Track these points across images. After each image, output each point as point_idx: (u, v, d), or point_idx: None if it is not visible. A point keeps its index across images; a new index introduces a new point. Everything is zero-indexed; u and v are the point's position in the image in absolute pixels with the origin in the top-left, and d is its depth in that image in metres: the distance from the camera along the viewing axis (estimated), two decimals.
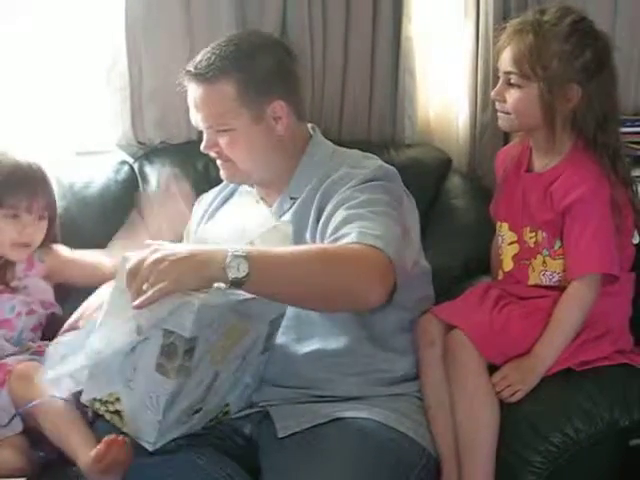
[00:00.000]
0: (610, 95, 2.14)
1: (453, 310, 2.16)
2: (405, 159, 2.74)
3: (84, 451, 1.96)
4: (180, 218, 2.35)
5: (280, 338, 2.06)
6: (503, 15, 2.70)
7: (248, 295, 1.80)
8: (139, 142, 2.81)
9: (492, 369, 2.11)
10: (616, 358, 2.11)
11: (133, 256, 1.76)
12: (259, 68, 2.10)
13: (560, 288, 2.12)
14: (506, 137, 2.65)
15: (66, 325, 2.22)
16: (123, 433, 1.90)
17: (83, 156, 2.76)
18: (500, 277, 2.26)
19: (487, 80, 2.73)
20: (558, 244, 2.13)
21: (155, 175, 2.72)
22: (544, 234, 2.15)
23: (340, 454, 1.90)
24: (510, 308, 2.14)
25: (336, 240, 1.92)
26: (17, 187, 2.27)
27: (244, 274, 1.72)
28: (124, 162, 2.76)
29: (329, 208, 2.03)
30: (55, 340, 2.11)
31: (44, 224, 2.33)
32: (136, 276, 1.72)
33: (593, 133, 2.10)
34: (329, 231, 1.98)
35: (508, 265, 2.23)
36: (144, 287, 1.71)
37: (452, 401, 2.09)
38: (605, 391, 2.04)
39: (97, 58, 2.73)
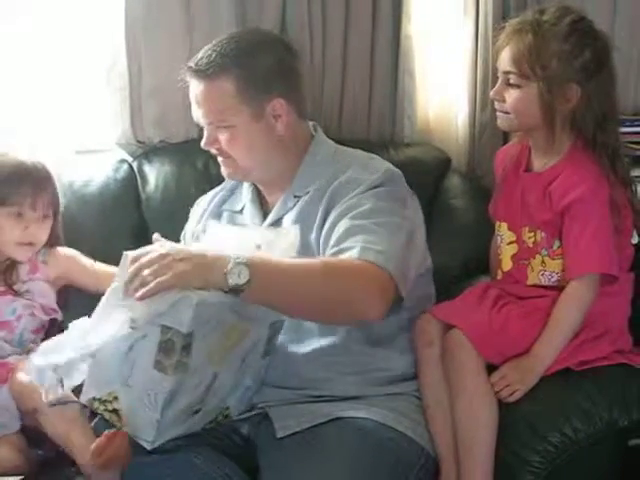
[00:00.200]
0: (609, 95, 2.14)
1: (452, 310, 2.16)
2: (404, 158, 2.73)
3: (84, 447, 1.97)
4: None
5: (279, 338, 2.06)
6: (502, 14, 2.70)
7: None
8: (138, 141, 2.82)
9: (490, 369, 2.11)
10: (615, 358, 2.10)
11: (136, 251, 1.80)
12: (259, 66, 2.10)
13: (559, 288, 2.12)
14: (505, 137, 2.65)
15: None
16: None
17: (83, 155, 2.77)
18: (499, 277, 2.26)
19: (486, 79, 2.73)
20: (557, 244, 2.13)
21: (154, 174, 2.73)
22: (543, 234, 2.15)
23: (339, 454, 1.90)
24: (509, 308, 2.14)
25: (339, 252, 1.94)
26: (21, 184, 2.28)
27: (244, 281, 1.75)
28: (123, 161, 2.77)
29: (334, 215, 2.04)
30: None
31: (48, 223, 2.33)
32: (137, 262, 1.75)
33: (592, 133, 2.10)
34: (332, 241, 1.99)
35: (507, 265, 2.22)
36: (145, 273, 1.73)
37: (451, 401, 2.09)
38: (604, 391, 2.04)
39: (97, 57, 2.74)
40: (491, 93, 2.18)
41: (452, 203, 2.73)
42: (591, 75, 2.09)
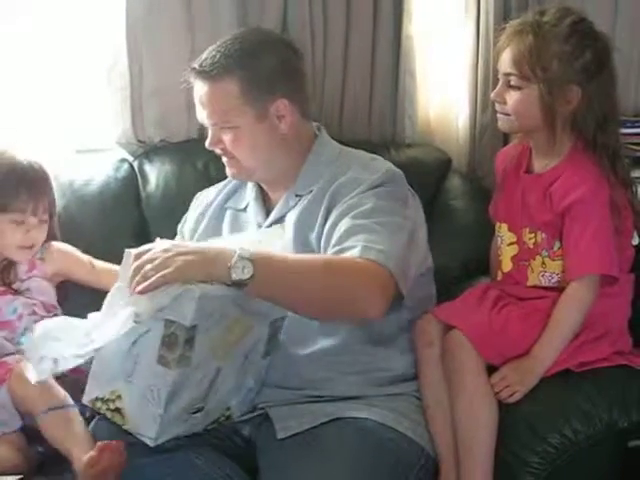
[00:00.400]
0: (610, 96, 2.13)
1: (452, 310, 2.17)
2: (405, 159, 2.74)
3: (78, 454, 1.97)
4: None
5: (280, 338, 2.06)
6: (504, 14, 2.70)
7: None
8: (139, 140, 2.82)
9: (491, 370, 2.11)
10: (615, 359, 2.11)
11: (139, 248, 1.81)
12: (263, 66, 2.10)
13: (559, 289, 2.12)
14: (506, 138, 2.64)
15: None
16: (124, 430, 1.90)
17: (83, 154, 2.77)
18: (499, 278, 2.26)
19: (487, 80, 2.73)
20: (557, 245, 2.13)
21: (155, 173, 2.73)
22: (543, 235, 2.15)
23: (339, 454, 1.90)
24: (509, 309, 2.14)
25: (340, 252, 1.95)
26: (22, 191, 2.27)
27: (248, 276, 1.77)
28: (124, 160, 2.77)
29: (335, 214, 2.05)
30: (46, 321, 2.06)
31: (46, 226, 2.34)
32: (140, 258, 1.77)
33: (593, 134, 2.09)
34: (333, 240, 2.00)
35: (507, 266, 2.22)
36: (147, 268, 1.75)
37: (451, 401, 2.09)
38: (604, 392, 2.04)
39: (98, 56, 2.74)
40: (492, 95, 2.18)
41: (452, 204, 2.73)
42: (592, 76, 2.08)
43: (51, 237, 2.39)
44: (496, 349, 2.10)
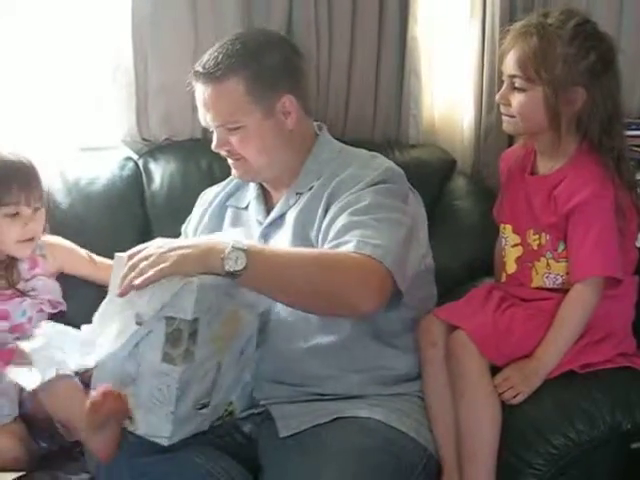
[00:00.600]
0: (615, 97, 2.13)
1: (456, 311, 2.17)
2: (409, 159, 2.74)
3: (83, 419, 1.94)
4: None
5: (282, 333, 2.07)
6: (509, 15, 2.70)
7: None
8: (144, 139, 2.82)
9: (494, 370, 2.11)
10: (618, 361, 2.11)
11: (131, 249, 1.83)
12: (266, 64, 2.11)
13: (563, 290, 2.12)
14: (511, 139, 2.65)
15: None
16: (135, 435, 1.89)
17: (88, 152, 2.77)
18: (503, 279, 2.26)
19: (493, 81, 2.73)
20: (562, 247, 2.13)
21: (159, 172, 2.73)
22: (548, 237, 2.15)
23: (341, 453, 1.90)
24: (513, 310, 2.14)
25: (336, 247, 1.95)
26: (12, 183, 2.26)
27: (241, 267, 1.79)
28: (129, 158, 2.77)
29: (333, 210, 2.05)
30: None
31: (41, 214, 2.32)
32: (135, 256, 1.79)
33: (598, 136, 2.09)
34: (330, 236, 2.00)
35: (511, 267, 2.23)
36: (142, 265, 1.77)
37: (454, 401, 2.09)
38: (607, 394, 2.04)
39: (103, 55, 2.74)
40: (496, 97, 2.18)
41: (457, 204, 2.73)
42: (596, 78, 2.08)
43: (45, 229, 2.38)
44: (500, 350, 2.10)
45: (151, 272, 1.76)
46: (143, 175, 2.75)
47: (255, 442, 2.07)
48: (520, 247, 2.21)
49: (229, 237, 1.85)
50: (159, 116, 2.79)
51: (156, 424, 1.87)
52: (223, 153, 2.17)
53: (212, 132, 2.16)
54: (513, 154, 2.31)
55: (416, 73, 2.85)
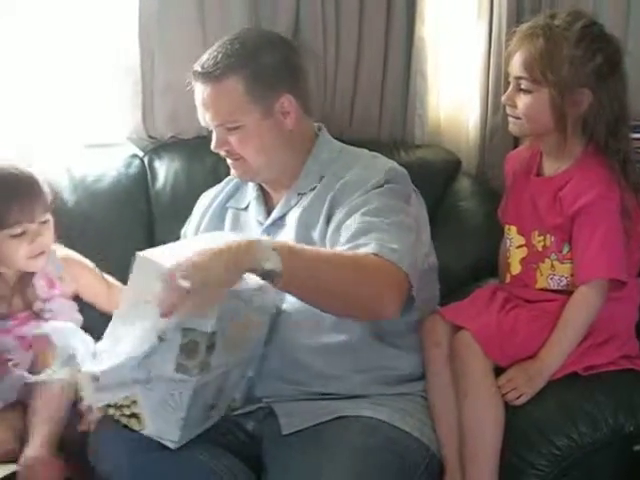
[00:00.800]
0: (621, 99, 2.13)
1: (460, 311, 2.17)
2: (414, 159, 2.75)
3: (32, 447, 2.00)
4: None
5: (289, 332, 2.07)
6: (516, 16, 2.69)
7: (254, 286, 1.83)
8: (149, 136, 2.82)
9: (498, 371, 2.11)
10: (622, 363, 2.11)
11: (149, 253, 1.79)
12: (265, 64, 2.11)
13: (567, 292, 2.12)
14: (516, 140, 2.65)
15: None
16: (141, 434, 1.90)
17: (94, 149, 2.77)
18: (507, 280, 2.26)
19: (499, 82, 2.73)
20: (566, 248, 2.13)
21: (164, 170, 2.74)
22: (552, 238, 2.15)
23: (344, 452, 1.90)
24: (517, 311, 2.14)
25: (354, 248, 1.94)
26: (12, 202, 2.15)
27: (279, 267, 1.76)
28: (134, 156, 2.78)
29: (341, 215, 2.05)
30: None
31: (49, 225, 2.23)
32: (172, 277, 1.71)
33: (604, 138, 2.09)
34: (343, 238, 2.00)
35: (516, 268, 2.23)
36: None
37: (457, 402, 2.10)
38: (610, 396, 2.04)
39: (110, 52, 2.74)
40: (503, 98, 2.17)
41: (461, 205, 2.73)
42: (603, 80, 2.08)
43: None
44: (504, 351, 2.10)
45: (179, 304, 1.71)
46: (148, 173, 2.75)
47: (258, 440, 2.07)
48: (525, 248, 2.21)
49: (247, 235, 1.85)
50: (165, 114, 2.79)
51: (165, 428, 1.88)
52: (222, 153, 2.17)
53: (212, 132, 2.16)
54: (518, 155, 2.31)
55: (422, 73, 2.85)
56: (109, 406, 1.88)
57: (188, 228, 2.37)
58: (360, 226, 1.99)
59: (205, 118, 2.14)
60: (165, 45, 2.72)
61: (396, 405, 2.06)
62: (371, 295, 1.90)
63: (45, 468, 2.00)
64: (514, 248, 2.23)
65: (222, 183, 2.37)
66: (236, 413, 2.08)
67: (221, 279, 1.75)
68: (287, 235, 2.13)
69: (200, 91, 2.12)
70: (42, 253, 2.22)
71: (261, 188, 2.27)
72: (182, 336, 1.78)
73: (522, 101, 2.11)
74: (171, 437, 1.89)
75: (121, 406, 1.87)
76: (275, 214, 2.19)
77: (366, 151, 2.24)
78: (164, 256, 1.76)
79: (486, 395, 2.07)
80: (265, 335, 2.04)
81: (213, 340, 1.80)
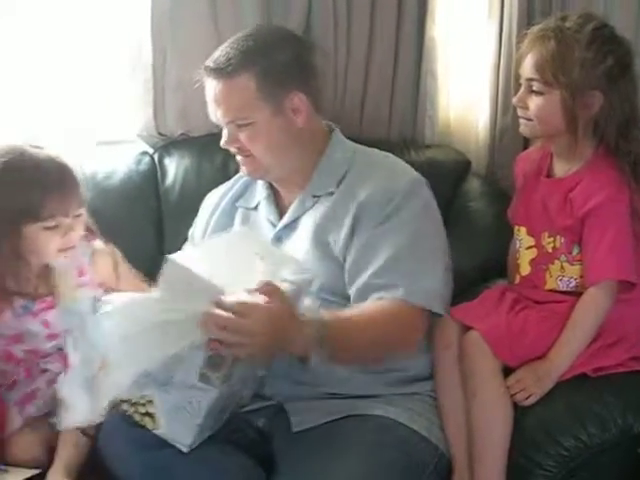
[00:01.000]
0: (632, 101, 2.13)
1: (470, 312, 2.18)
2: (424, 159, 2.73)
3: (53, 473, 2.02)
4: None
5: None
6: (527, 17, 2.68)
7: None
8: (160, 133, 2.82)
9: (507, 372, 2.12)
10: (630, 365, 2.11)
11: (176, 257, 1.80)
12: (277, 61, 2.12)
13: (577, 293, 2.13)
14: (526, 141, 2.64)
15: None
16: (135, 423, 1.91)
17: (104, 146, 2.78)
18: (517, 281, 2.26)
19: (509, 83, 2.71)
20: (576, 250, 2.13)
21: (173, 167, 2.74)
22: (562, 240, 2.15)
23: (354, 449, 1.92)
24: (526, 312, 2.15)
25: (381, 288, 2.01)
26: (50, 196, 2.11)
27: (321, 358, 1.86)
28: (145, 153, 2.79)
29: (367, 234, 2.07)
30: None
31: (81, 220, 2.19)
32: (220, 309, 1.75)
33: (615, 140, 2.10)
34: (371, 269, 2.04)
35: (525, 269, 2.23)
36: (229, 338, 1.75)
37: (466, 402, 2.10)
38: (619, 397, 2.04)
39: (122, 49, 2.75)
40: (514, 100, 2.18)
41: (471, 206, 2.72)
42: (614, 82, 2.08)
43: (86, 230, 2.25)
44: (513, 351, 2.11)
45: (237, 351, 1.77)
46: (158, 170, 2.76)
47: (268, 437, 2.08)
48: (534, 249, 2.21)
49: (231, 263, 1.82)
50: (176, 111, 2.79)
51: (179, 432, 1.89)
52: (233, 150, 2.17)
53: (222, 129, 2.16)
54: (529, 157, 2.32)
55: (433, 73, 2.84)
56: (123, 401, 1.89)
57: (196, 230, 2.36)
58: (389, 259, 2.03)
59: (216, 114, 2.14)
60: (177, 42, 2.72)
61: (405, 405, 2.07)
62: (399, 344, 2.04)
63: None
64: (524, 249, 2.24)
65: (230, 181, 2.37)
66: (246, 409, 2.08)
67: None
68: (300, 239, 2.13)
69: (212, 87, 2.12)
70: (72, 247, 2.19)
71: (271, 187, 2.26)
72: (209, 349, 1.79)
73: (533, 103, 2.11)
74: (184, 441, 1.90)
75: (136, 403, 1.88)
76: (289, 216, 2.19)
77: (380, 154, 2.24)
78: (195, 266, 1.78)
79: (495, 395, 2.08)
80: None
81: None
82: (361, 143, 2.29)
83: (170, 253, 1.85)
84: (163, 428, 1.89)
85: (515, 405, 2.08)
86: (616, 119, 2.09)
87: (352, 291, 2.08)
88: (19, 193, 2.10)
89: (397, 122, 2.88)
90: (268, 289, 1.77)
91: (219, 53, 2.14)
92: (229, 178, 2.44)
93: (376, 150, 2.26)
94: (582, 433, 2.00)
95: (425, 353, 2.17)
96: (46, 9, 2.69)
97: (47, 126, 2.70)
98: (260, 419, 2.10)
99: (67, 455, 2.06)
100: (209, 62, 2.13)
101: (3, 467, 2.04)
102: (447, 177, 2.75)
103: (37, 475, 2.04)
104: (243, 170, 2.22)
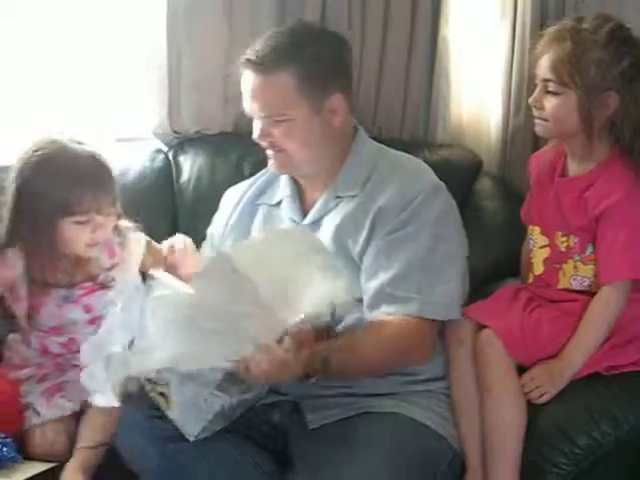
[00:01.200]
0: None
1: (484, 310, 2.19)
2: (436, 159, 2.73)
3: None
4: None
5: None
6: (540, 17, 2.68)
7: None
8: (174, 131, 2.83)
9: (521, 370, 2.13)
10: None
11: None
12: (319, 60, 2.09)
13: (590, 292, 2.14)
14: (537, 141, 2.64)
15: None
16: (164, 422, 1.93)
17: (120, 143, 2.79)
18: (530, 280, 2.27)
19: (521, 82, 2.72)
20: (590, 249, 2.15)
21: (188, 165, 2.75)
22: (576, 239, 2.16)
23: (372, 447, 1.93)
24: (540, 311, 2.16)
25: (394, 301, 2.02)
26: (85, 191, 2.12)
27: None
28: (159, 151, 2.80)
29: (384, 241, 2.07)
30: None
31: (112, 218, 2.21)
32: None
33: (630, 140, 2.11)
34: (385, 278, 2.05)
35: (539, 268, 2.24)
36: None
37: (480, 400, 2.12)
38: (632, 396, 2.06)
39: (138, 47, 2.76)
40: (530, 100, 2.19)
41: (483, 205, 2.73)
42: (629, 82, 2.10)
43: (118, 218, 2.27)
44: (526, 350, 2.12)
45: (255, 371, 1.79)
46: (173, 167, 2.77)
47: (283, 432, 2.09)
48: (548, 249, 2.22)
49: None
50: (191, 109, 2.81)
51: (189, 422, 1.91)
52: (264, 144, 2.15)
53: (252, 120, 2.14)
54: (543, 156, 2.32)
55: (445, 74, 2.85)
56: (148, 380, 1.88)
57: (214, 228, 2.35)
58: (403, 269, 2.04)
59: (251, 107, 2.11)
60: (192, 41, 2.74)
61: (420, 402, 2.08)
62: (407, 362, 2.07)
63: None
64: (537, 248, 2.25)
65: (249, 180, 2.35)
66: (261, 403, 2.08)
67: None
68: (321, 239, 2.10)
69: (250, 80, 2.09)
70: (100, 243, 2.21)
71: (295, 184, 2.25)
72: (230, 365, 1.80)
73: (549, 103, 2.12)
74: (191, 431, 1.92)
75: (155, 382, 1.88)
76: (312, 216, 2.18)
77: (404, 157, 2.24)
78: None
79: (509, 391, 2.09)
80: None
81: None
82: None
83: None
84: (174, 413, 1.90)
85: (529, 403, 2.09)
86: (631, 119, 2.10)
87: (365, 294, 2.07)
88: (55, 186, 2.12)
89: (410, 122, 2.89)
90: (300, 338, 1.81)
91: (261, 46, 2.09)
92: (243, 176, 2.45)
93: (401, 154, 2.26)
94: (595, 431, 2.02)
95: (439, 354, 2.17)
96: (64, 8, 2.70)
97: (63, 124, 2.70)
98: (275, 414, 2.11)
99: (85, 451, 2.08)
100: (250, 54, 2.09)
101: (21, 460, 2.06)
102: (459, 176, 2.74)
103: (54, 469, 2.06)
104: (272, 164, 2.20)
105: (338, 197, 2.16)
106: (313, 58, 2.08)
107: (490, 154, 2.85)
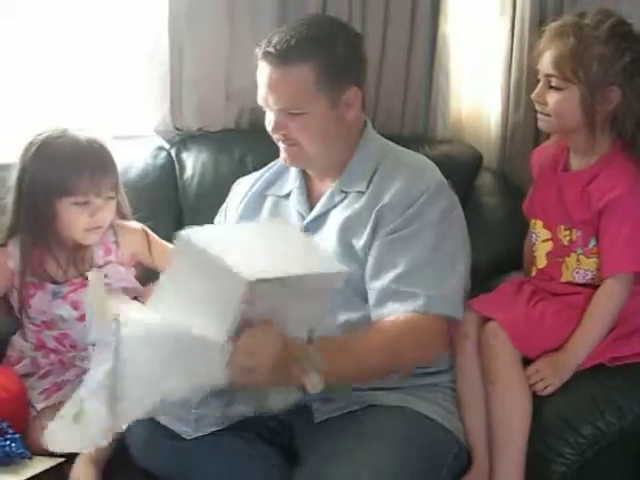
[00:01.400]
0: None
1: (488, 303, 2.21)
2: (436, 155, 2.73)
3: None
4: None
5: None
6: (539, 14, 2.70)
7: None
8: (177, 128, 2.84)
9: (525, 363, 2.14)
10: None
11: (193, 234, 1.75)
12: (338, 54, 2.08)
13: (593, 285, 2.16)
14: (537, 136, 2.68)
15: None
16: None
17: (122, 140, 2.78)
18: (533, 273, 2.29)
19: (521, 78, 2.75)
20: (593, 243, 2.16)
21: (191, 162, 2.77)
22: (579, 233, 2.18)
23: (379, 441, 1.93)
24: (544, 304, 2.18)
25: (400, 297, 2.00)
26: (84, 173, 2.18)
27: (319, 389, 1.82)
28: (161, 148, 2.80)
29: (388, 239, 2.06)
30: None
31: (113, 203, 2.26)
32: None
33: (632, 135, 2.13)
34: (391, 275, 2.03)
35: (542, 262, 2.26)
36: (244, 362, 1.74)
37: (485, 392, 2.13)
38: (636, 386, 2.08)
39: (139, 44, 2.77)
40: (532, 95, 2.20)
41: (483, 200, 2.75)
42: (631, 77, 2.12)
43: (122, 216, 2.34)
44: (531, 342, 2.14)
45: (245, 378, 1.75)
46: (176, 164, 2.77)
47: (289, 426, 2.10)
48: (550, 242, 2.24)
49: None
50: (193, 106, 2.81)
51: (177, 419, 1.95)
52: (276, 136, 2.14)
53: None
54: (545, 151, 2.34)
55: (445, 70, 2.87)
56: None
57: (222, 218, 2.35)
58: (408, 267, 2.03)
59: (267, 100, 2.09)
60: (194, 38, 2.74)
61: (425, 396, 2.09)
62: (417, 359, 2.05)
63: None
64: (540, 242, 2.27)
65: (260, 171, 2.35)
66: None
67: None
68: (327, 235, 2.12)
69: (266, 72, 2.07)
70: (99, 228, 2.25)
71: (304, 177, 2.25)
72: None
73: (552, 98, 2.14)
74: (183, 428, 1.96)
75: None
76: (318, 209, 2.18)
77: (409, 154, 2.25)
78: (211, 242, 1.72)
79: (514, 383, 2.11)
80: None
81: None
82: None
83: None
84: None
85: (534, 394, 2.10)
86: (633, 114, 2.13)
87: (370, 293, 2.07)
88: (52, 166, 2.19)
89: (410, 118, 2.91)
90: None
91: (279, 38, 2.06)
92: (247, 172, 2.44)
93: (407, 151, 2.26)
94: (600, 421, 2.03)
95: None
96: (66, 5, 2.71)
97: (65, 121, 2.70)
98: None
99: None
100: (268, 46, 2.06)
101: (29, 455, 2.06)
102: (459, 172, 2.74)
103: (64, 464, 2.06)
104: (283, 157, 2.18)
105: (343, 192, 2.16)
106: (332, 52, 2.07)
107: (490, 150, 2.87)
